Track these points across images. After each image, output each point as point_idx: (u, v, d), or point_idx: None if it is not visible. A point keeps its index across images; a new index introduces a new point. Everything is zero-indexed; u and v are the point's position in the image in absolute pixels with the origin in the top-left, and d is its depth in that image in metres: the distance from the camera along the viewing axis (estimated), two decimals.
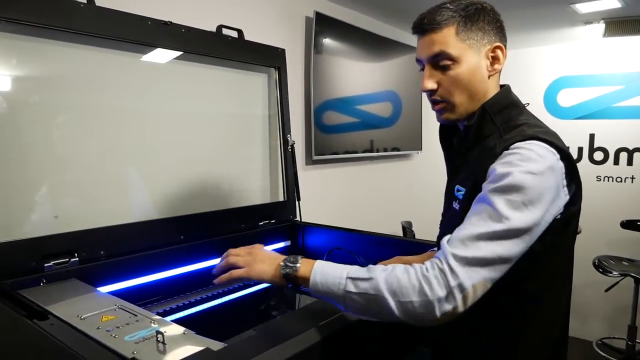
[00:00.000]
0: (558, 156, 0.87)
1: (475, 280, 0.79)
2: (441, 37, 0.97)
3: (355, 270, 0.86)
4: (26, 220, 1.29)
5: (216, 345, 0.80)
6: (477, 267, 0.80)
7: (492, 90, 1.01)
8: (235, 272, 0.96)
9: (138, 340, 0.84)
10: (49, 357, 0.90)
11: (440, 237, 1.10)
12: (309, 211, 2.03)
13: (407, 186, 3.33)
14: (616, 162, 3.60)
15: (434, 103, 1.03)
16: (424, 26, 0.99)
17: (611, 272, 2.94)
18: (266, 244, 1.76)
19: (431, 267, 0.81)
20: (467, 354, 0.99)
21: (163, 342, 0.83)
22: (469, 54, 0.97)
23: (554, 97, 3.77)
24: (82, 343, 0.84)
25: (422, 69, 1.03)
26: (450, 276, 0.79)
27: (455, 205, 1.00)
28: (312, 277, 0.88)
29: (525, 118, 0.99)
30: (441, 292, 0.78)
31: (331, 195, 2.62)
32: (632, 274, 2.88)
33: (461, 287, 0.78)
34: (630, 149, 3.55)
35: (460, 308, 0.79)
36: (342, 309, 0.88)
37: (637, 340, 3.06)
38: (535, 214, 0.83)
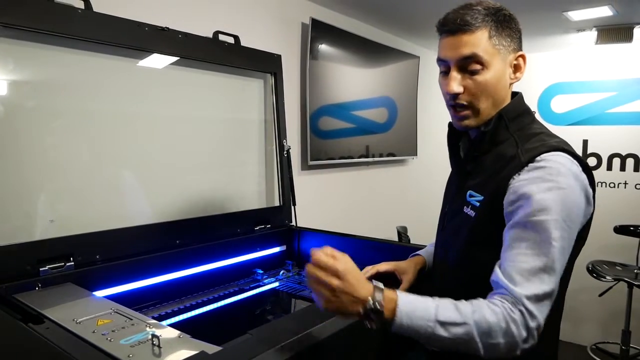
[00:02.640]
0: (581, 168, 0.89)
1: (546, 312, 0.83)
2: (474, 39, 0.94)
3: (444, 311, 0.81)
4: (22, 224, 1.29)
5: (211, 349, 0.81)
6: (545, 301, 0.82)
7: (508, 98, 1.02)
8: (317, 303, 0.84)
9: (134, 344, 0.85)
10: (45, 357, 0.90)
11: (441, 237, 1.10)
12: (305, 216, 2.04)
13: (402, 191, 3.34)
14: (609, 167, 3.64)
15: (455, 108, 1.00)
16: (456, 25, 0.95)
17: (605, 277, 2.95)
18: (262, 249, 1.79)
19: (513, 307, 0.81)
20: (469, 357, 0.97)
21: (159, 346, 0.83)
22: (497, 60, 0.96)
23: (548, 103, 3.80)
24: (78, 346, 0.84)
25: (445, 71, 1.00)
26: (529, 318, 0.80)
27: (469, 211, 0.98)
28: (397, 319, 0.81)
29: (539, 127, 1.00)
30: (524, 333, 0.80)
31: (327, 201, 2.63)
32: (626, 279, 2.90)
33: (538, 325, 0.81)
34: (623, 154, 3.58)
35: (536, 342, 0.82)
36: (424, 342, 0.83)
37: (631, 345, 3.07)
38: (575, 228, 0.87)
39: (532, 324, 0.80)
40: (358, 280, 0.82)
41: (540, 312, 0.81)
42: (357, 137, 2.85)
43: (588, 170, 0.91)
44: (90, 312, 1.00)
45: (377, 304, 0.80)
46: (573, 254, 0.93)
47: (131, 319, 0.97)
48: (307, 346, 0.85)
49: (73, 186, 1.40)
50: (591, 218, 0.95)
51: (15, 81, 1.28)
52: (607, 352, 3.34)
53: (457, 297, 0.86)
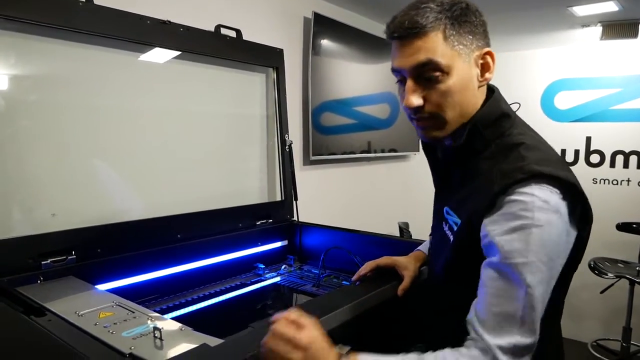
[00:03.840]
0: (561, 195, 0.79)
1: (525, 356, 0.76)
2: (427, 44, 0.83)
3: None
4: (24, 218, 1.30)
5: (213, 341, 0.81)
6: (522, 354, 0.75)
7: (480, 102, 0.90)
8: None
9: (135, 336, 0.85)
10: (46, 353, 0.90)
11: (431, 253, 1.05)
12: (307, 211, 2.04)
13: (404, 187, 3.34)
14: (612, 165, 3.62)
15: (418, 120, 0.90)
16: (405, 30, 0.84)
17: (606, 274, 2.95)
18: (263, 244, 1.79)
19: (483, 355, 0.75)
20: None
21: (160, 338, 0.83)
22: (459, 63, 0.85)
23: (551, 99, 3.79)
24: (80, 339, 0.84)
25: (400, 81, 0.90)
26: None
27: (447, 231, 0.92)
28: None
29: (519, 132, 0.89)
30: None
31: (329, 196, 2.62)
32: (627, 276, 2.90)
33: None
34: (627, 151, 3.57)
35: None
36: None
37: (632, 342, 3.07)
38: (557, 264, 0.79)
39: None
40: (323, 350, 0.76)
41: None
42: (358, 133, 2.84)
43: (571, 192, 0.80)
44: (92, 304, 1.00)
45: None
46: (577, 262, 0.89)
47: (133, 312, 0.97)
48: None
49: (74, 180, 1.40)
50: (589, 232, 0.88)
51: (16, 74, 1.27)
52: (608, 349, 3.34)
53: (444, 311, 0.86)
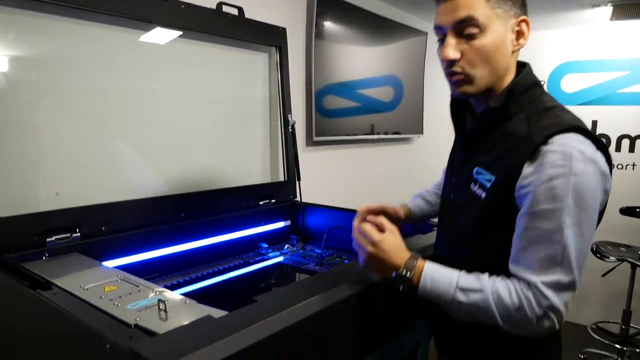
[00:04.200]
0: (595, 147, 0.85)
1: (565, 298, 0.83)
2: (470, 2, 0.90)
3: (464, 279, 0.88)
4: (28, 196, 1.30)
5: (217, 313, 0.81)
6: (565, 292, 0.83)
7: (513, 68, 0.98)
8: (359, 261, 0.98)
9: (140, 309, 0.86)
10: (53, 325, 0.91)
11: (449, 207, 1.07)
12: (309, 192, 2.04)
13: (407, 169, 3.32)
14: (618, 148, 3.60)
15: (451, 74, 0.96)
16: None
17: (608, 258, 2.95)
18: (266, 223, 1.79)
19: (527, 288, 0.84)
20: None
21: (165, 310, 0.84)
22: (496, 24, 0.91)
23: (558, 82, 3.75)
24: (86, 311, 0.85)
25: (442, 39, 0.96)
26: (542, 299, 0.82)
27: (477, 190, 0.96)
28: (421, 283, 0.90)
29: (550, 100, 0.96)
30: (539, 312, 0.82)
31: (331, 177, 2.62)
32: (629, 259, 2.90)
33: (553, 308, 0.82)
34: (633, 135, 3.54)
35: (557, 325, 0.84)
36: (447, 311, 0.91)
37: (632, 325, 3.09)
38: (593, 213, 0.85)
39: (546, 303, 0.82)
40: (394, 250, 0.93)
41: (558, 297, 0.82)
42: (362, 116, 2.82)
43: (603, 148, 0.87)
44: (97, 279, 1.01)
45: (407, 272, 0.91)
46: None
47: (137, 286, 0.98)
48: (312, 313, 0.86)
49: (78, 159, 1.40)
50: (608, 195, 0.92)
51: (17, 53, 1.26)
52: (607, 331, 3.36)
53: (465, 267, 0.91)
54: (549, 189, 0.82)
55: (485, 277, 0.88)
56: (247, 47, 1.87)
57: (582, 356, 3.07)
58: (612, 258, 2.94)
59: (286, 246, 1.76)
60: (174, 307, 0.86)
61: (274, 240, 1.80)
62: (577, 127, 0.86)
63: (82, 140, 1.41)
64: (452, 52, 0.92)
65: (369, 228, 0.96)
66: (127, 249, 1.37)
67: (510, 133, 0.92)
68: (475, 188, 0.96)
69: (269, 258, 1.66)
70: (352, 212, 1.77)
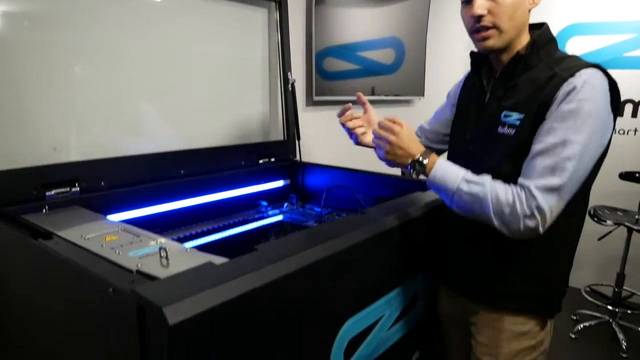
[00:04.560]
0: (609, 84, 1.00)
1: (552, 202, 0.96)
2: None
3: (471, 174, 1.03)
4: (24, 151, 1.29)
5: (218, 260, 0.82)
6: (553, 194, 0.96)
7: (527, 27, 1.10)
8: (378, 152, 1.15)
9: (142, 256, 0.86)
10: (54, 273, 0.92)
11: (464, 161, 1.14)
12: (309, 152, 2.03)
13: None
14: (620, 113, 3.57)
15: (479, 30, 1.07)
16: None
17: (605, 222, 2.97)
18: (266, 182, 1.79)
19: (520, 189, 0.98)
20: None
21: (166, 258, 0.84)
22: None
23: (563, 45, 3.67)
24: (87, 258, 0.85)
25: (465, 1, 1.08)
26: (531, 200, 0.96)
27: (506, 130, 1.07)
28: (433, 171, 1.05)
29: (563, 52, 1.09)
30: (527, 210, 0.96)
31: (331, 137, 2.58)
32: (626, 224, 2.92)
33: (539, 208, 0.95)
34: (636, 100, 3.50)
35: (540, 227, 0.97)
36: (448, 202, 1.06)
37: (624, 287, 3.14)
38: (597, 143, 0.99)
39: (534, 203, 0.95)
40: (411, 140, 1.09)
41: (545, 200, 0.95)
42: (362, 79, 2.78)
43: (616, 89, 1.02)
44: (97, 230, 1.02)
45: (423, 159, 1.06)
46: (598, 170, 1.07)
47: (138, 236, 0.98)
48: (313, 261, 0.86)
49: (74, 115, 1.38)
50: (610, 139, 1.05)
51: (13, 8, 1.22)
52: (600, 294, 3.42)
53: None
54: (565, 109, 0.96)
55: (489, 176, 1.02)
56: (246, 1, 1.82)
57: (575, 317, 3.13)
58: (609, 222, 2.96)
59: (285, 205, 1.77)
60: (175, 254, 0.87)
61: (274, 199, 1.80)
62: (598, 65, 1.00)
63: (79, 96, 1.38)
64: (481, 9, 1.03)
65: (389, 122, 1.10)
66: (126, 204, 1.37)
67: (534, 79, 1.05)
68: (503, 130, 1.08)
69: (269, 216, 1.67)
70: (351, 171, 1.78)
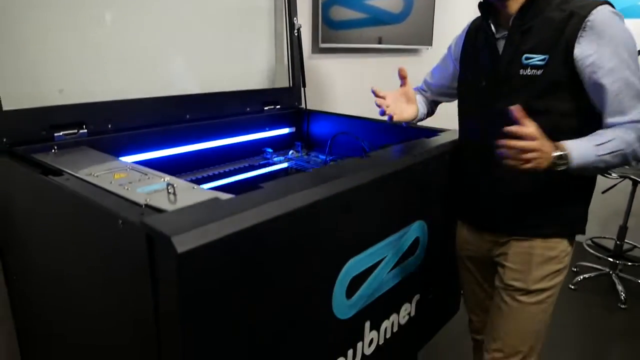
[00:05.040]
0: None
1: None
2: None
3: (593, 139, 1.08)
4: (31, 92, 1.29)
5: (224, 196, 0.84)
6: None
7: None
8: (525, 167, 1.06)
9: (150, 192, 0.88)
10: (64, 208, 0.95)
11: (481, 108, 1.25)
12: (315, 100, 2.02)
13: (413, 81, 3.23)
14: None
15: None
16: None
17: (610, 175, 2.97)
18: (271, 129, 1.80)
19: (628, 124, 1.07)
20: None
21: (174, 193, 0.87)
22: None
23: None
24: (97, 193, 0.88)
25: None
26: None
27: (529, 72, 1.14)
28: (571, 160, 1.06)
29: None
30: None
31: (337, 85, 2.56)
32: (631, 176, 2.91)
33: None
34: None
35: None
36: (596, 173, 1.19)
37: (626, 240, 3.18)
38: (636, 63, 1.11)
39: None
40: (546, 144, 1.05)
41: None
42: (370, 28, 2.70)
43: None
44: (106, 168, 1.03)
45: (560, 155, 1.05)
46: None
47: (146, 174, 1.00)
48: (317, 199, 0.88)
49: (81, 58, 1.38)
50: None
51: None
52: (602, 246, 3.47)
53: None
54: (610, 50, 1.06)
55: (602, 131, 1.10)
56: None
57: (575, 269, 3.19)
58: (614, 175, 2.96)
59: (290, 152, 1.78)
60: (183, 190, 0.89)
61: (279, 146, 1.81)
62: (609, 2, 1.10)
63: (86, 39, 1.37)
64: None
65: (528, 145, 1.03)
66: (133, 147, 1.38)
67: (549, 20, 1.12)
68: (526, 72, 1.15)
69: (274, 163, 1.68)
70: (357, 119, 1.78)
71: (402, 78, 1.45)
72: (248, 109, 1.74)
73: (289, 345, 0.91)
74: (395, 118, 1.37)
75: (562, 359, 2.29)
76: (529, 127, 1.03)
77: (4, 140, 1.15)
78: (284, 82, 1.96)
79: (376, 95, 1.37)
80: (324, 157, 1.69)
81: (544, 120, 1.08)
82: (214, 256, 0.71)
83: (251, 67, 1.87)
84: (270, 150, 1.74)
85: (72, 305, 1.03)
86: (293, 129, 1.89)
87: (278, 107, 1.84)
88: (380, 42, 2.80)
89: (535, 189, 1.24)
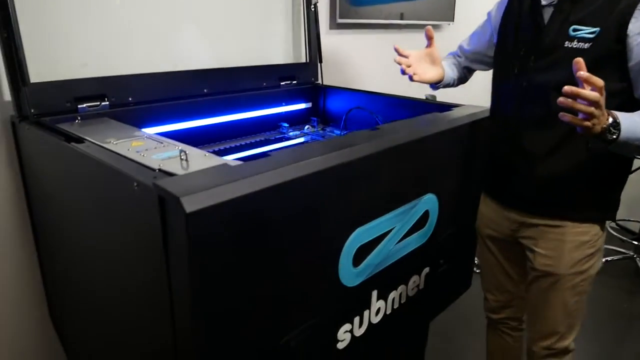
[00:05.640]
0: None
1: None
2: None
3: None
4: (56, 66, 1.35)
5: (233, 162, 0.87)
6: None
7: None
8: (583, 123, 0.99)
9: (164, 159, 0.93)
10: (85, 171, 1.01)
11: (518, 79, 1.21)
12: (332, 76, 2.03)
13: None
14: None
15: None
16: None
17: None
18: (287, 104, 1.82)
19: None
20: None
21: (186, 160, 0.91)
22: None
23: None
24: (114, 159, 0.93)
25: None
26: None
27: (576, 44, 1.11)
28: (621, 132, 1.01)
29: None
30: None
31: (354, 62, 2.55)
32: None
33: None
34: None
35: None
36: (632, 150, 1.07)
37: None
38: None
39: None
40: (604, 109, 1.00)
41: None
42: (390, 4, 2.67)
43: None
44: (125, 137, 1.08)
45: (615, 122, 1.00)
46: None
47: (162, 143, 1.04)
48: (325, 168, 0.91)
49: (104, 33, 1.43)
50: None
51: None
52: (627, 229, 3.40)
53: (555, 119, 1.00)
54: None
55: None
56: None
57: None
58: None
59: (306, 127, 1.80)
60: (195, 157, 0.93)
61: (295, 121, 1.84)
62: None
63: (108, 15, 1.42)
64: None
65: (590, 76, 0.96)
66: (151, 119, 1.43)
67: None
68: (572, 44, 1.11)
69: (289, 137, 1.71)
70: (373, 94, 1.78)
71: (429, 38, 1.40)
72: (264, 84, 1.76)
73: (294, 307, 0.95)
74: (415, 78, 1.34)
75: (585, 342, 2.29)
76: (600, 81, 0.93)
77: (32, 111, 1.21)
78: (300, 57, 1.97)
79: (399, 54, 1.33)
80: (339, 132, 1.71)
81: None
82: (221, 217, 0.75)
83: (268, 42, 1.89)
84: (286, 125, 1.77)
85: (93, 266, 1.10)
86: (309, 105, 1.91)
87: (294, 82, 1.86)
88: (402, 17, 2.76)
89: (571, 169, 1.19)
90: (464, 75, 1.58)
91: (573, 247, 1.26)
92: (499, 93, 1.35)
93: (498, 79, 1.37)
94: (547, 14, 1.18)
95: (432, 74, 1.41)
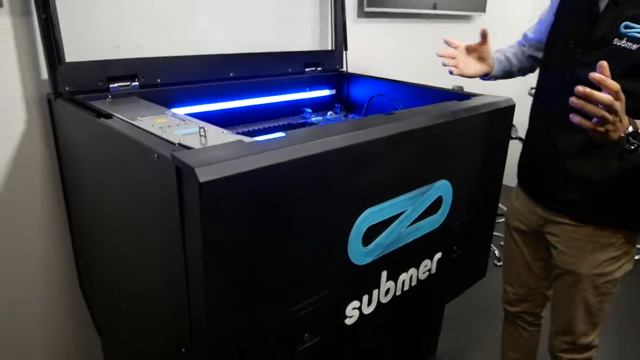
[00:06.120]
0: None
1: None
2: None
3: None
4: (91, 48, 1.43)
5: (248, 139, 0.92)
6: None
7: None
8: (594, 127, 0.94)
9: (184, 135, 0.98)
10: (112, 143, 1.07)
11: (561, 72, 1.16)
12: (357, 64, 2.04)
13: None
14: None
15: None
16: None
17: None
18: (311, 90, 1.86)
19: None
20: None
21: (205, 136, 0.96)
22: None
23: None
24: (139, 133, 0.99)
25: None
26: None
27: (624, 44, 1.04)
28: None
29: None
30: None
31: (380, 51, 2.55)
32: None
33: None
34: None
35: None
36: None
37: None
38: None
39: None
40: (625, 116, 0.94)
41: None
42: None
43: None
44: (150, 114, 1.15)
45: (635, 132, 0.94)
46: None
47: (184, 121, 1.10)
48: (336, 147, 0.94)
49: (136, 16, 1.50)
50: None
51: None
52: None
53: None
54: None
55: None
56: None
57: None
58: None
59: (329, 113, 1.83)
60: (213, 134, 0.98)
61: (318, 107, 1.87)
62: None
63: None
64: None
65: (606, 80, 0.91)
66: (178, 100, 1.49)
67: None
68: (621, 42, 1.04)
69: (312, 123, 1.74)
70: (397, 83, 1.79)
71: (483, 37, 1.38)
72: (289, 70, 1.80)
73: (302, 279, 0.99)
74: (455, 72, 1.32)
75: (611, 342, 2.25)
76: (615, 84, 0.88)
77: (67, 88, 1.29)
78: (326, 44, 2.00)
79: (449, 45, 1.33)
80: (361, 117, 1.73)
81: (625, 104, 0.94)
82: (233, 188, 0.79)
83: (295, 29, 1.92)
84: (309, 110, 1.81)
85: (117, 233, 1.17)
86: (333, 91, 1.94)
87: (319, 69, 1.89)
88: (435, 7, 2.74)
89: (600, 173, 1.14)
90: (530, 64, 1.52)
91: (596, 249, 1.23)
92: (541, 85, 1.31)
93: (543, 71, 1.33)
94: (603, 5, 1.10)
95: (475, 69, 1.39)
